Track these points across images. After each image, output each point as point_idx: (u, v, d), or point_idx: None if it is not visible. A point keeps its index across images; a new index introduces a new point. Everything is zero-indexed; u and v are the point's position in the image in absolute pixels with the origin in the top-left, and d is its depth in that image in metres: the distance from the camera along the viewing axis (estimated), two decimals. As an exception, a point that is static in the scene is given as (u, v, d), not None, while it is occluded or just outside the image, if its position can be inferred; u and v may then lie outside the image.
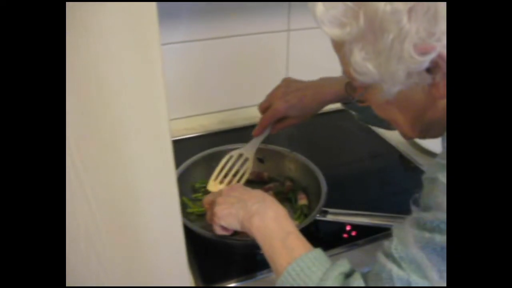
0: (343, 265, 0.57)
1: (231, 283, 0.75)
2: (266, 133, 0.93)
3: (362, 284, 0.54)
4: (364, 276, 0.55)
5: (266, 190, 0.92)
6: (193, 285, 0.74)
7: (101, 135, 0.41)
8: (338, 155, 1.12)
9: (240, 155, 0.92)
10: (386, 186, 1.01)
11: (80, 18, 0.34)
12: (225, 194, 0.74)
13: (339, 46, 0.55)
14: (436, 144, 0.58)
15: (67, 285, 0.47)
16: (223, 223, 0.71)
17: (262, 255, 0.79)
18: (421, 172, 1.05)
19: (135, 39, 0.37)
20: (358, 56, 0.52)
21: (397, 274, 0.51)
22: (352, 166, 1.09)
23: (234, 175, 0.91)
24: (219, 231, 0.74)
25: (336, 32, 0.52)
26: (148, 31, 0.37)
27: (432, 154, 1.09)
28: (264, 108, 0.91)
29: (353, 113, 0.91)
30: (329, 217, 0.82)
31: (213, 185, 0.90)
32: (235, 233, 0.75)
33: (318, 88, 0.88)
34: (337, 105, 0.97)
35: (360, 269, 0.75)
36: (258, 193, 0.73)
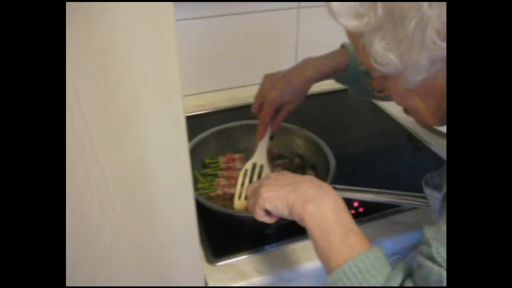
0: (403, 269, 0.52)
1: (240, 256, 0.77)
2: (268, 134, 0.90)
3: None
4: (413, 282, 0.52)
5: (275, 166, 0.94)
6: (203, 257, 0.76)
7: (116, 109, 0.42)
8: (347, 133, 1.13)
9: (254, 165, 0.89)
10: (394, 165, 1.02)
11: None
12: (273, 177, 0.65)
13: (357, 38, 0.53)
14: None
15: (80, 252, 0.49)
16: (268, 206, 0.61)
17: (270, 229, 0.81)
18: (429, 151, 1.06)
19: (150, 16, 0.38)
20: (378, 47, 0.50)
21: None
22: (360, 144, 1.10)
23: None
24: (261, 217, 0.64)
25: (354, 23, 0.50)
26: (163, 7, 0.38)
27: (440, 133, 1.09)
28: (257, 107, 0.89)
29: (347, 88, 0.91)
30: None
31: (240, 204, 0.83)
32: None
33: (301, 68, 0.87)
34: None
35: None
36: (312, 178, 0.64)
